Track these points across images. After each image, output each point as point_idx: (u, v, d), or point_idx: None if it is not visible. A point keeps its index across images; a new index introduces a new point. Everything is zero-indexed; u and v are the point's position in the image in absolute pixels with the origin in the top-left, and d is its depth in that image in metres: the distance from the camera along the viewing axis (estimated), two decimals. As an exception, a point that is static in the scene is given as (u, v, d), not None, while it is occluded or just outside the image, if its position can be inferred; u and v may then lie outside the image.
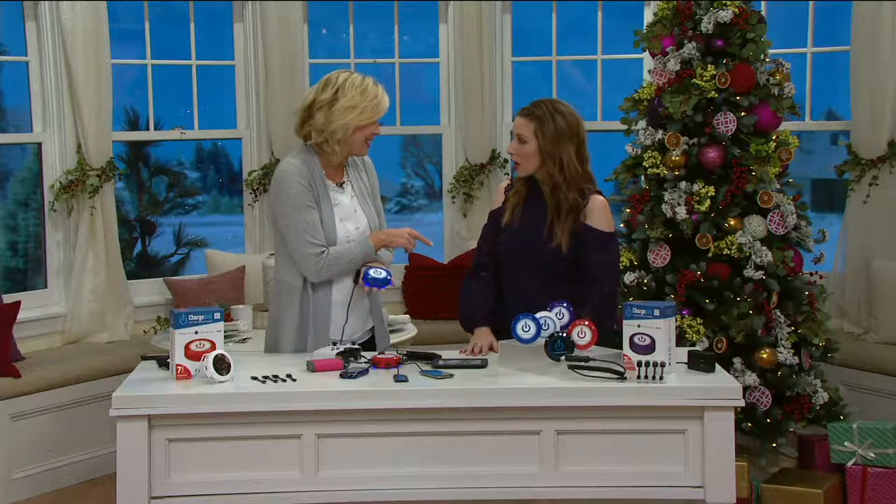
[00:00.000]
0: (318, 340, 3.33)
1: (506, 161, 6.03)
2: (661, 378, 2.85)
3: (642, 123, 4.67)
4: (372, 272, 3.28)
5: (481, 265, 3.48)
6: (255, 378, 2.93)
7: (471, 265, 3.54)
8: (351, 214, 3.40)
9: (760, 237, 4.35)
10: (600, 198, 3.35)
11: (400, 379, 2.91)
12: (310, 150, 3.39)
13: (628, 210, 4.61)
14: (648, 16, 5.83)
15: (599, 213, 3.32)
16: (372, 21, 6.56)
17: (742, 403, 2.87)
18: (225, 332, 3.09)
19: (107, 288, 5.41)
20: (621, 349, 2.95)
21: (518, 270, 3.39)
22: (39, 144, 5.41)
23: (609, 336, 3.23)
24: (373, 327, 3.49)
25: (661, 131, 4.50)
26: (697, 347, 4.09)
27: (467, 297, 3.47)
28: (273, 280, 3.53)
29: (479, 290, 3.45)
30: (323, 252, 3.28)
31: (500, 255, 3.44)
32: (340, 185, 3.41)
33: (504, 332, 3.21)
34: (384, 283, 3.29)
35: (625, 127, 4.76)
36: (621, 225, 4.66)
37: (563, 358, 3.04)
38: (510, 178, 3.62)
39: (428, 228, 6.89)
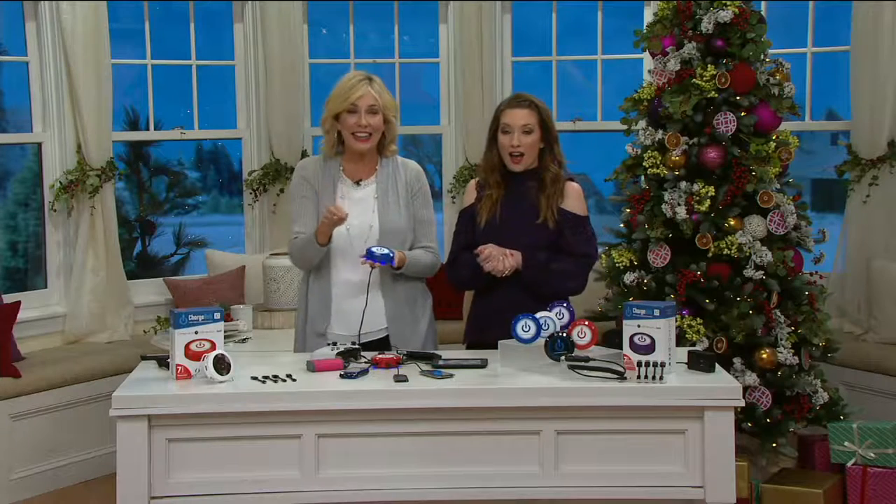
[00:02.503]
0: (329, 329, 3.45)
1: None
2: (661, 378, 2.85)
3: (642, 123, 4.67)
4: (374, 248, 3.36)
5: (459, 252, 3.58)
6: (255, 378, 2.93)
7: (448, 259, 3.65)
8: (367, 212, 3.47)
9: (760, 237, 4.35)
10: (575, 184, 3.56)
11: (400, 379, 2.91)
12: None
13: (628, 210, 4.61)
14: (648, 16, 5.83)
15: (575, 198, 3.53)
16: (372, 21, 6.56)
17: (742, 403, 2.88)
18: (225, 332, 3.10)
19: (107, 288, 5.41)
20: (621, 349, 2.96)
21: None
22: (39, 144, 5.42)
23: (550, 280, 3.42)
24: (387, 326, 3.49)
25: (661, 131, 4.50)
26: (697, 347, 4.09)
27: (454, 269, 3.58)
28: None
29: (464, 259, 3.54)
30: (296, 238, 3.50)
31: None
32: (358, 182, 3.49)
33: (503, 331, 3.22)
34: (382, 258, 3.34)
35: (625, 127, 4.75)
36: (621, 225, 4.67)
37: (563, 358, 3.04)
38: (476, 177, 3.71)
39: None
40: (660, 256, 4.45)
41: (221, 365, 2.90)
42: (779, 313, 4.35)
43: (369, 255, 3.33)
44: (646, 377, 2.85)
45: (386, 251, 3.35)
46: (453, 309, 5.38)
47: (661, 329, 2.87)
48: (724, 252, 4.32)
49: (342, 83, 3.46)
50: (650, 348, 2.88)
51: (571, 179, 3.55)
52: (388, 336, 3.48)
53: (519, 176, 3.51)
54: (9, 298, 4.96)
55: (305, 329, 3.52)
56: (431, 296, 3.61)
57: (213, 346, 2.95)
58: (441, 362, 3.08)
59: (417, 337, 3.49)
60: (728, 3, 4.42)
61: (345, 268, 3.45)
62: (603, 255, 4.57)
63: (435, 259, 3.56)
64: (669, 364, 2.88)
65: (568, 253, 3.47)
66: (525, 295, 3.40)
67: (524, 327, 3.10)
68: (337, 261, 3.46)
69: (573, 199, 3.52)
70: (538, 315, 3.13)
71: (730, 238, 4.32)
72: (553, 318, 3.16)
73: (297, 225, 3.51)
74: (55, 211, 5.37)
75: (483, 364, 3.08)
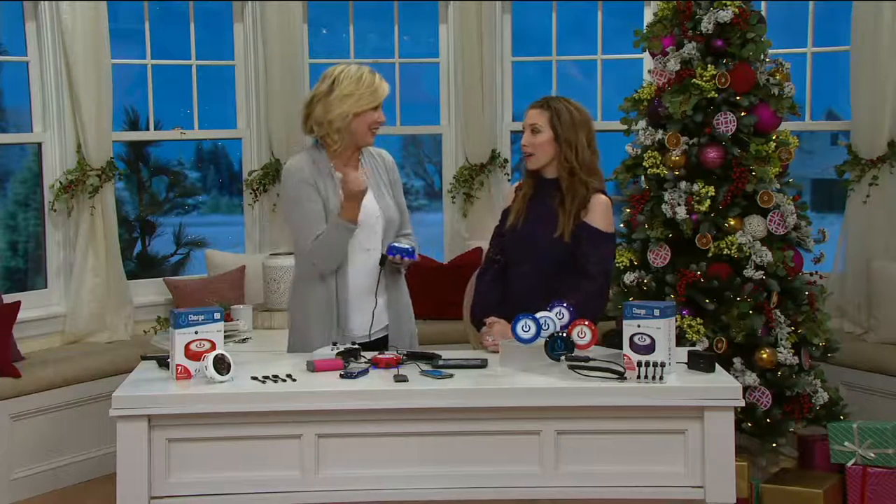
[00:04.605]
0: (343, 329, 3.39)
1: (506, 161, 6.03)
2: (661, 378, 2.85)
3: (642, 123, 4.67)
4: (396, 244, 3.35)
5: (489, 263, 3.55)
6: (255, 378, 2.93)
7: (482, 264, 3.61)
8: (368, 203, 3.41)
9: (760, 237, 4.35)
10: (603, 197, 3.40)
11: (400, 379, 2.91)
12: (317, 146, 3.47)
13: (628, 210, 4.61)
14: (648, 16, 5.84)
15: (600, 212, 3.38)
16: (372, 21, 6.56)
17: (742, 403, 2.87)
18: (225, 332, 3.10)
19: (107, 288, 5.41)
20: (621, 349, 2.95)
21: (521, 269, 3.44)
22: (39, 144, 5.41)
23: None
24: (387, 325, 3.49)
25: (661, 131, 4.50)
26: (697, 347, 4.09)
27: (476, 291, 3.56)
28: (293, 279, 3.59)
29: (486, 287, 3.52)
30: (317, 237, 3.36)
31: (505, 255, 3.50)
32: None
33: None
34: (406, 252, 3.33)
35: (625, 127, 4.76)
36: (621, 225, 4.66)
37: (563, 358, 3.04)
38: (515, 179, 3.68)
39: (428, 228, 6.89)
40: (660, 256, 4.45)
41: (221, 365, 2.89)
42: (779, 313, 4.35)
43: (395, 250, 3.33)
44: (646, 377, 2.85)
45: (406, 246, 3.35)
46: (453, 308, 5.37)
47: (661, 329, 2.87)
48: (724, 252, 4.32)
49: (361, 80, 3.38)
50: (650, 348, 2.88)
51: (601, 192, 3.42)
52: (387, 335, 3.48)
53: (547, 182, 3.46)
54: (9, 298, 4.96)
55: (309, 330, 3.42)
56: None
57: (213, 346, 2.94)
58: (441, 362, 3.08)
59: (409, 334, 3.52)
60: (728, 3, 4.42)
61: (357, 264, 3.41)
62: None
63: (418, 248, 3.55)
64: (669, 364, 2.88)
65: (582, 269, 3.34)
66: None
67: (524, 327, 3.10)
68: (350, 257, 3.41)
69: (595, 212, 3.37)
70: (538, 315, 3.13)
71: (730, 238, 4.32)
72: (553, 318, 3.15)
73: (313, 228, 3.34)
74: (55, 211, 5.36)
75: (483, 364, 3.08)
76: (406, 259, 3.36)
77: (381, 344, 3.43)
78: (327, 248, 3.34)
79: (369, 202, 3.41)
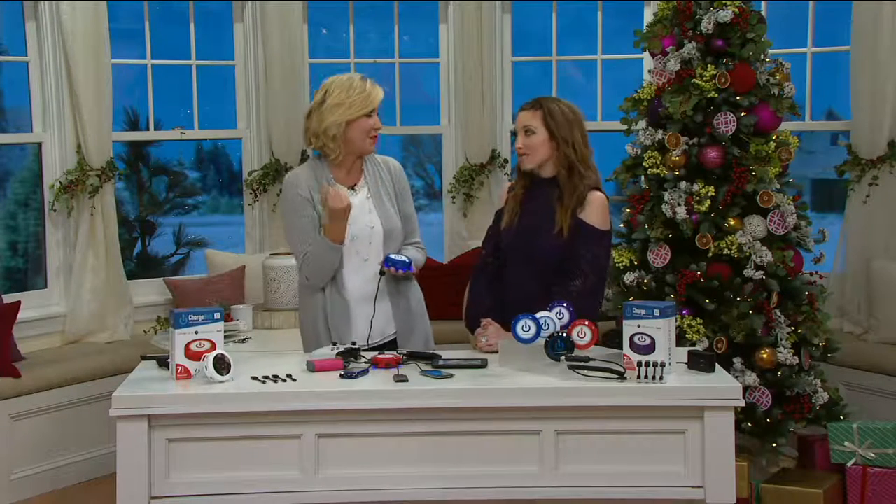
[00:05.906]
0: (343, 338, 3.39)
1: (506, 161, 6.03)
2: (661, 378, 2.85)
3: (642, 123, 4.67)
4: (393, 256, 3.38)
5: (483, 265, 3.55)
6: (255, 378, 2.93)
7: (476, 265, 3.60)
8: (365, 214, 3.44)
9: (760, 237, 4.35)
10: (599, 194, 3.39)
11: (400, 379, 2.92)
12: (319, 158, 3.48)
13: (628, 210, 4.61)
14: (648, 16, 5.84)
15: (595, 209, 3.37)
16: (372, 21, 6.57)
17: (742, 403, 2.88)
18: (225, 332, 3.10)
19: (107, 288, 5.41)
20: (621, 349, 2.96)
21: (518, 269, 3.43)
22: (39, 144, 5.42)
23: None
24: (395, 333, 3.50)
25: (661, 131, 4.50)
26: (697, 347, 4.09)
27: (470, 298, 3.55)
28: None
29: (480, 290, 3.51)
30: (306, 254, 3.38)
31: (502, 256, 3.48)
32: (352, 187, 3.46)
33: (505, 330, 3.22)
34: (403, 265, 3.36)
35: (625, 127, 4.76)
36: (621, 225, 4.66)
37: (563, 358, 3.04)
38: (512, 179, 3.67)
39: (428, 228, 6.89)
40: (660, 256, 4.45)
41: (221, 365, 2.90)
42: (779, 313, 4.35)
43: (391, 262, 3.35)
44: (646, 377, 2.85)
45: (403, 258, 3.37)
46: (453, 308, 5.37)
47: (661, 329, 2.87)
48: (724, 252, 4.32)
49: (351, 87, 3.36)
50: (650, 348, 2.88)
51: (598, 189, 3.41)
52: (395, 340, 3.49)
53: (542, 180, 3.46)
54: (9, 298, 4.96)
55: (317, 335, 3.43)
56: (421, 290, 3.63)
57: (213, 346, 2.95)
58: (441, 362, 3.08)
59: (423, 338, 3.52)
60: (728, 3, 4.42)
61: (354, 274, 3.43)
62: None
63: (425, 255, 3.60)
64: (669, 364, 2.88)
65: (575, 267, 3.33)
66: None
67: (524, 327, 3.10)
68: (347, 268, 3.43)
69: (591, 210, 3.35)
70: (538, 315, 3.13)
71: (730, 238, 4.32)
72: (553, 318, 3.16)
73: (303, 244, 3.38)
74: (55, 211, 5.37)
75: (483, 364, 3.08)
76: (401, 271, 3.38)
77: (389, 348, 3.42)
78: (315, 265, 3.38)
79: (366, 213, 3.43)
